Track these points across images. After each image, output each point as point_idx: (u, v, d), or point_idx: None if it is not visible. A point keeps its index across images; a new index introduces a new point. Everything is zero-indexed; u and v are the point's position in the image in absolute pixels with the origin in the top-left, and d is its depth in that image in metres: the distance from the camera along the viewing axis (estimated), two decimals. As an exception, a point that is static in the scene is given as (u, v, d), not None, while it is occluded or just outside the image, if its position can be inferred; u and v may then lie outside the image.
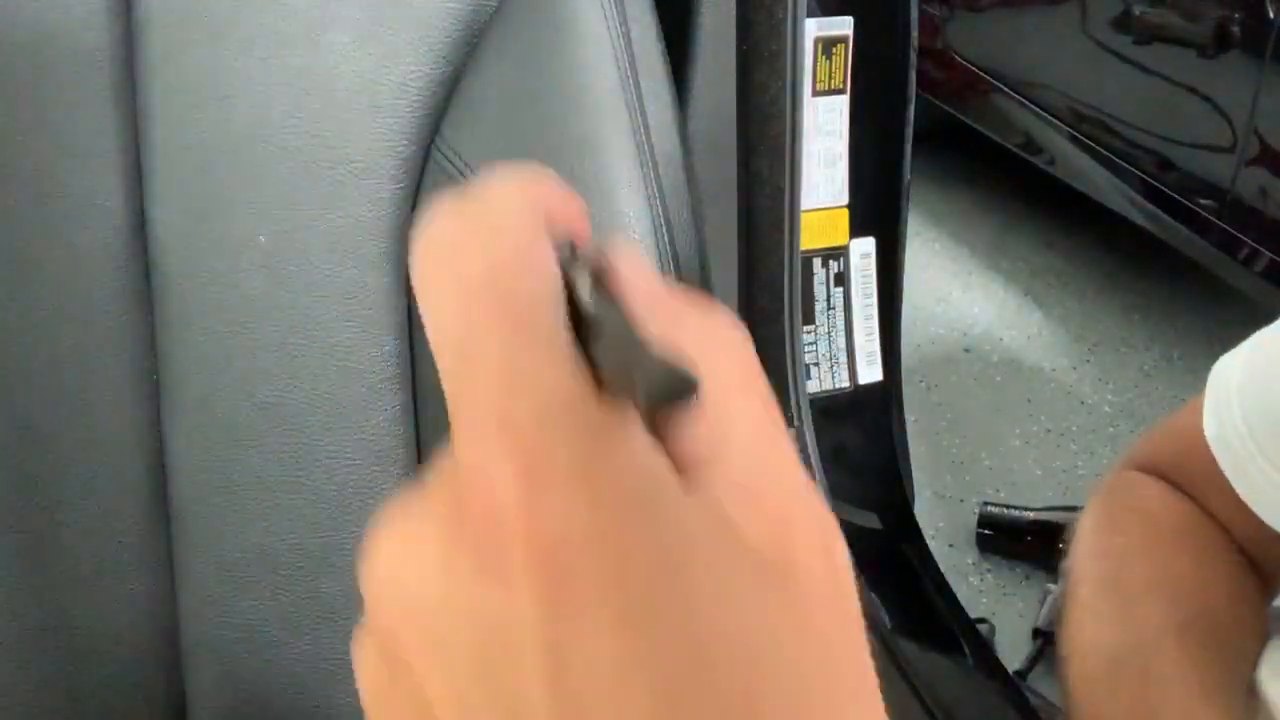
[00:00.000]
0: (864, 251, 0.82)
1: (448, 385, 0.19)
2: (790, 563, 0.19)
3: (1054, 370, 2.37)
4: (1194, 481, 0.57)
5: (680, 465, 0.19)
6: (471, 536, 0.18)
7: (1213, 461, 0.53)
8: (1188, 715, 0.48)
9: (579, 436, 0.18)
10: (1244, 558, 0.56)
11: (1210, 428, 0.53)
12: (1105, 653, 0.53)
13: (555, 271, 0.20)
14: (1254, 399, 0.52)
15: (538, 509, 0.17)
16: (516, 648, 0.17)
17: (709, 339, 0.21)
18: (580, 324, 0.20)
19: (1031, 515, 1.85)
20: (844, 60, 0.74)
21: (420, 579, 0.18)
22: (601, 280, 0.21)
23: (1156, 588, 0.54)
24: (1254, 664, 0.51)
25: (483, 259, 0.20)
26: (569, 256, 0.21)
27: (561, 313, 0.19)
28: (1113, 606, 0.55)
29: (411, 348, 0.60)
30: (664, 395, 0.18)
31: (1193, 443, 0.54)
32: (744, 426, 0.20)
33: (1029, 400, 2.25)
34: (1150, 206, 2.37)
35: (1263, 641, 0.52)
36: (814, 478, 0.81)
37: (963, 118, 2.89)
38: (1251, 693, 0.50)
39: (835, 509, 0.76)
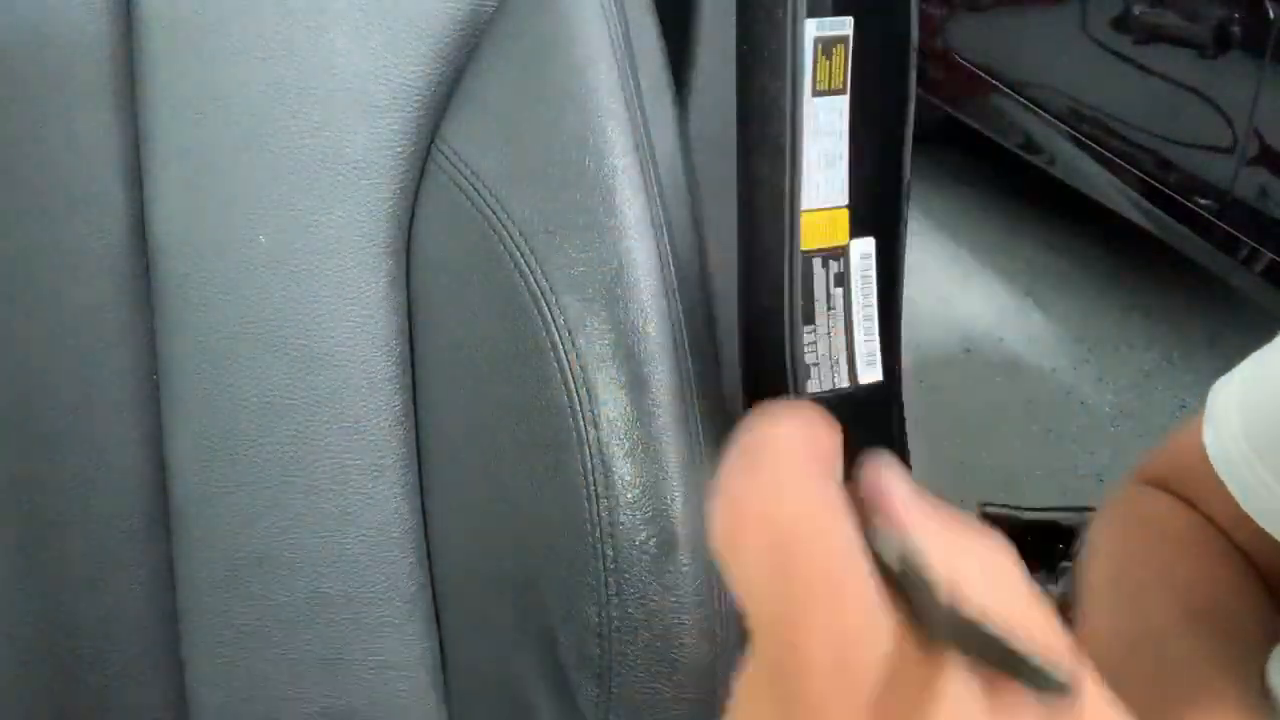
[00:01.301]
0: (864, 251, 0.82)
1: (769, 649, 0.20)
2: None
3: (1054, 370, 2.37)
4: (1198, 494, 0.57)
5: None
6: None
7: (1214, 474, 0.53)
8: (1202, 690, 0.48)
9: (911, 689, 0.19)
10: (1253, 567, 0.56)
11: (1210, 440, 0.54)
12: (1116, 639, 0.54)
13: (852, 525, 0.21)
14: (1253, 410, 0.52)
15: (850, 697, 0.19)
16: None
17: (988, 567, 0.22)
18: (888, 577, 0.21)
19: (1031, 515, 1.85)
20: (844, 60, 0.74)
21: None
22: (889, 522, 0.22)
23: (1165, 583, 0.55)
24: (1263, 660, 0.51)
25: (789, 513, 0.21)
26: (857, 501, 0.22)
27: (870, 567, 0.21)
28: (1123, 600, 0.56)
29: (411, 348, 0.60)
30: (1033, 681, 0.19)
31: (1194, 456, 0.55)
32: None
33: (1029, 400, 2.25)
34: (1150, 206, 2.37)
35: (1271, 640, 0.52)
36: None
37: (963, 118, 2.90)
38: (1261, 691, 0.50)
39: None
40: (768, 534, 0.21)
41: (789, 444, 0.22)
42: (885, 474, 0.23)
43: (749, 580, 0.21)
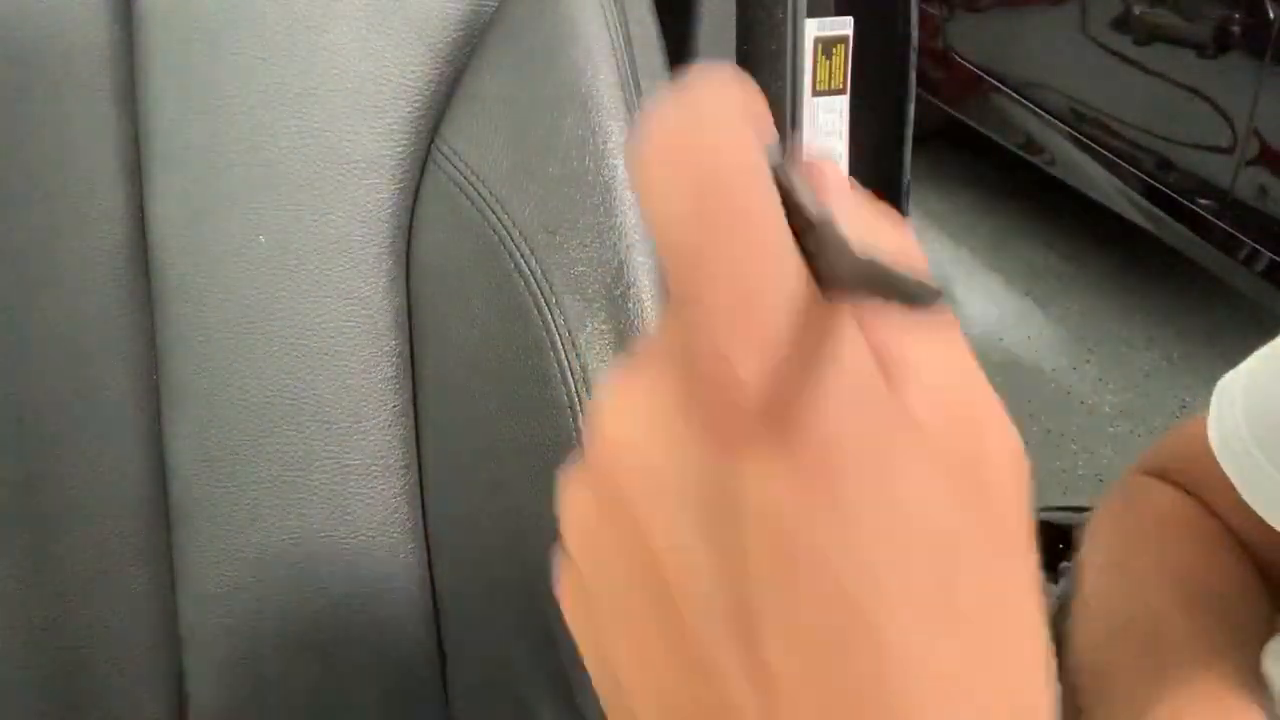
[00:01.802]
0: (864, 251, 0.82)
1: (677, 281, 0.20)
2: (983, 467, 0.21)
3: (1054, 370, 2.37)
4: (1199, 484, 0.57)
5: (881, 365, 0.21)
6: (708, 407, 0.20)
7: (1215, 464, 0.54)
8: (1196, 671, 0.48)
9: (810, 334, 0.20)
10: (1250, 555, 0.56)
11: (1214, 434, 0.54)
12: (1112, 619, 0.54)
13: (770, 175, 0.21)
14: (1256, 401, 0.53)
15: (775, 392, 0.19)
16: (741, 510, 0.20)
17: (898, 250, 0.22)
18: (797, 226, 0.21)
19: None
20: (844, 60, 0.74)
21: (651, 437, 0.21)
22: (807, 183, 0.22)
23: (1163, 570, 0.55)
24: (1259, 648, 0.51)
25: (708, 161, 0.21)
26: (778, 159, 0.22)
27: (783, 216, 0.21)
28: (1121, 585, 0.56)
29: (411, 348, 0.60)
30: (913, 299, 0.19)
31: (1199, 448, 0.55)
32: (928, 335, 0.22)
33: (1029, 401, 2.25)
34: (1150, 206, 2.37)
35: (1269, 629, 0.52)
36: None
37: (963, 118, 2.90)
38: (1255, 675, 0.50)
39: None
40: (686, 165, 0.21)
41: (723, 90, 0.22)
42: (824, 162, 0.24)
43: (661, 213, 0.21)
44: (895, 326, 0.21)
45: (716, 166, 0.20)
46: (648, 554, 0.21)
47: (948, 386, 0.21)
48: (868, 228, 0.22)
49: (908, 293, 0.19)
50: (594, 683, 0.23)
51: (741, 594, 0.20)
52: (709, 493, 0.20)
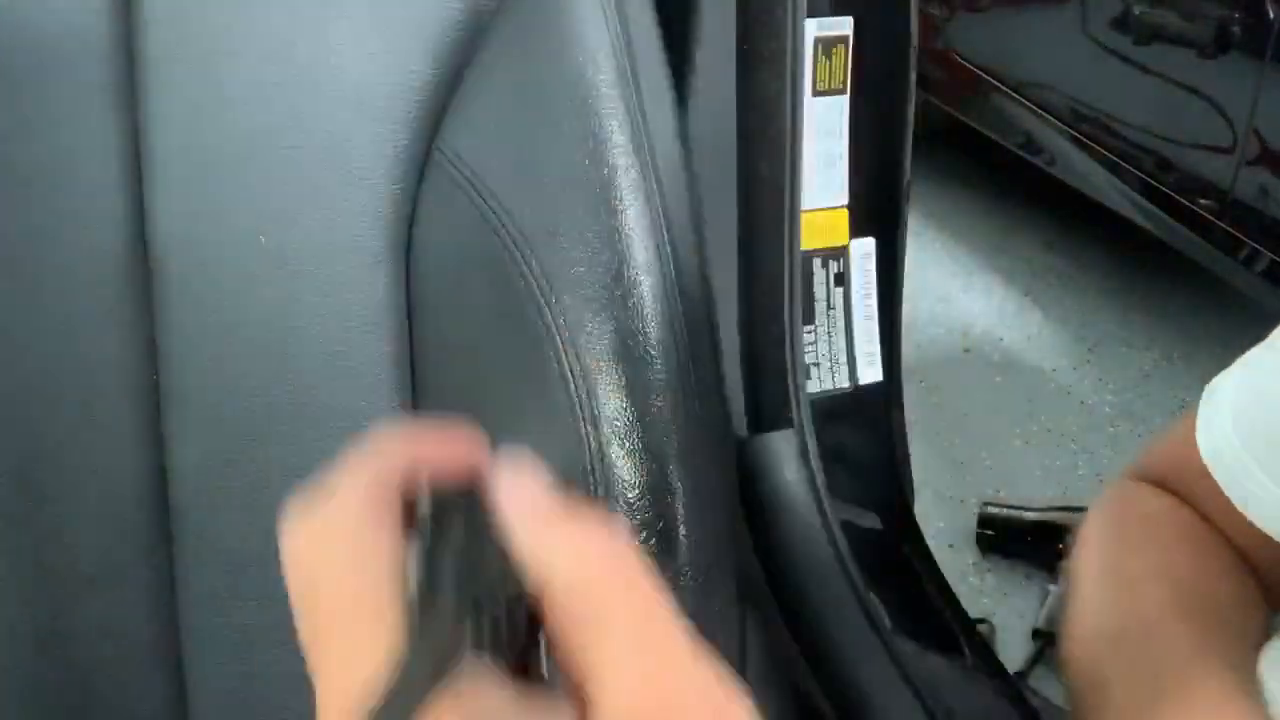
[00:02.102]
0: (864, 251, 0.82)
1: (310, 656, 0.24)
2: None
3: (1054, 370, 2.37)
4: (1192, 490, 0.57)
5: (570, 685, 0.23)
6: None
7: (1207, 470, 0.54)
8: (1192, 680, 0.48)
9: (407, 701, 0.22)
10: (1243, 560, 0.56)
11: (1203, 440, 0.54)
12: (1107, 627, 0.54)
13: (389, 551, 0.24)
14: (1244, 407, 0.53)
15: None
16: None
17: (587, 551, 0.24)
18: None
19: (1031, 515, 1.85)
20: (844, 60, 0.74)
21: None
22: (475, 516, 0.25)
23: (1157, 575, 0.55)
24: (1256, 652, 0.51)
25: (330, 552, 0.25)
26: (445, 513, 0.25)
27: (394, 590, 0.23)
28: (1114, 590, 0.56)
29: (411, 348, 0.60)
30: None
31: (1188, 453, 0.55)
32: (627, 639, 0.23)
33: (1029, 400, 2.25)
34: (1150, 206, 2.37)
35: (1264, 634, 0.52)
36: (815, 478, 0.81)
37: (963, 118, 2.90)
38: (1251, 683, 0.50)
39: (836, 509, 0.76)
40: (311, 566, 0.25)
41: (352, 483, 0.26)
42: (511, 478, 0.26)
43: (299, 611, 0.24)
44: (576, 641, 0.23)
45: (333, 558, 0.24)
46: None
47: (647, 699, 0.22)
48: (551, 548, 0.24)
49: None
50: None
51: None
52: None
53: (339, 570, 0.24)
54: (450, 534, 0.25)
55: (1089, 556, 0.59)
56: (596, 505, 0.24)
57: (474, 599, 0.23)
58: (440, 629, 0.23)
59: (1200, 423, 0.55)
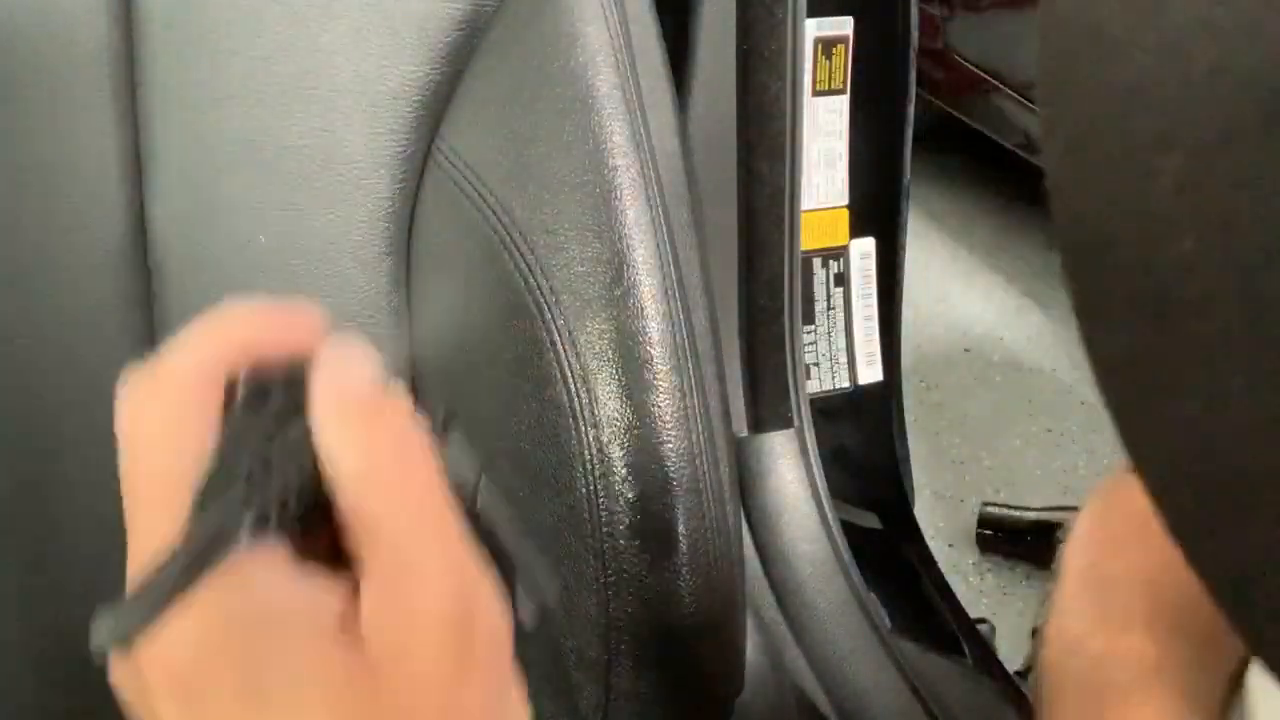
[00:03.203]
0: (864, 251, 0.82)
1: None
2: (470, 630, 0.25)
3: (1054, 370, 2.37)
4: None
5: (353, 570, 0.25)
6: (127, 673, 0.25)
7: None
8: (1131, 695, 0.48)
9: (181, 578, 0.23)
10: None
11: None
12: (1072, 632, 0.54)
13: (200, 428, 0.25)
14: None
15: (162, 647, 0.24)
16: None
17: (380, 443, 0.26)
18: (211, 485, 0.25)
19: (1031, 515, 1.85)
20: (844, 60, 0.74)
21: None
22: (295, 399, 0.26)
23: (1133, 579, 0.55)
24: (1231, 658, 0.51)
25: (149, 422, 0.25)
26: (263, 397, 0.26)
27: (194, 466, 0.25)
28: (1087, 593, 0.56)
29: (410, 348, 0.60)
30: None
31: None
32: (404, 516, 0.25)
33: (1029, 400, 2.25)
34: (1150, 206, 2.36)
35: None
36: (815, 478, 0.81)
37: (963, 118, 2.90)
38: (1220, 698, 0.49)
39: (836, 509, 0.76)
40: (130, 435, 0.25)
41: (183, 354, 0.27)
42: (330, 365, 0.27)
43: (120, 464, 0.25)
44: (357, 520, 0.25)
45: (150, 432, 0.25)
46: None
47: (423, 567, 0.25)
48: (346, 445, 0.25)
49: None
50: None
51: None
52: None
53: (154, 441, 0.25)
54: (261, 416, 0.26)
55: (1074, 553, 0.59)
56: (409, 400, 0.26)
57: (266, 481, 0.24)
58: (223, 511, 0.24)
59: None
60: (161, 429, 0.25)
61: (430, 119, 0.59)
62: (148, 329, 0.60)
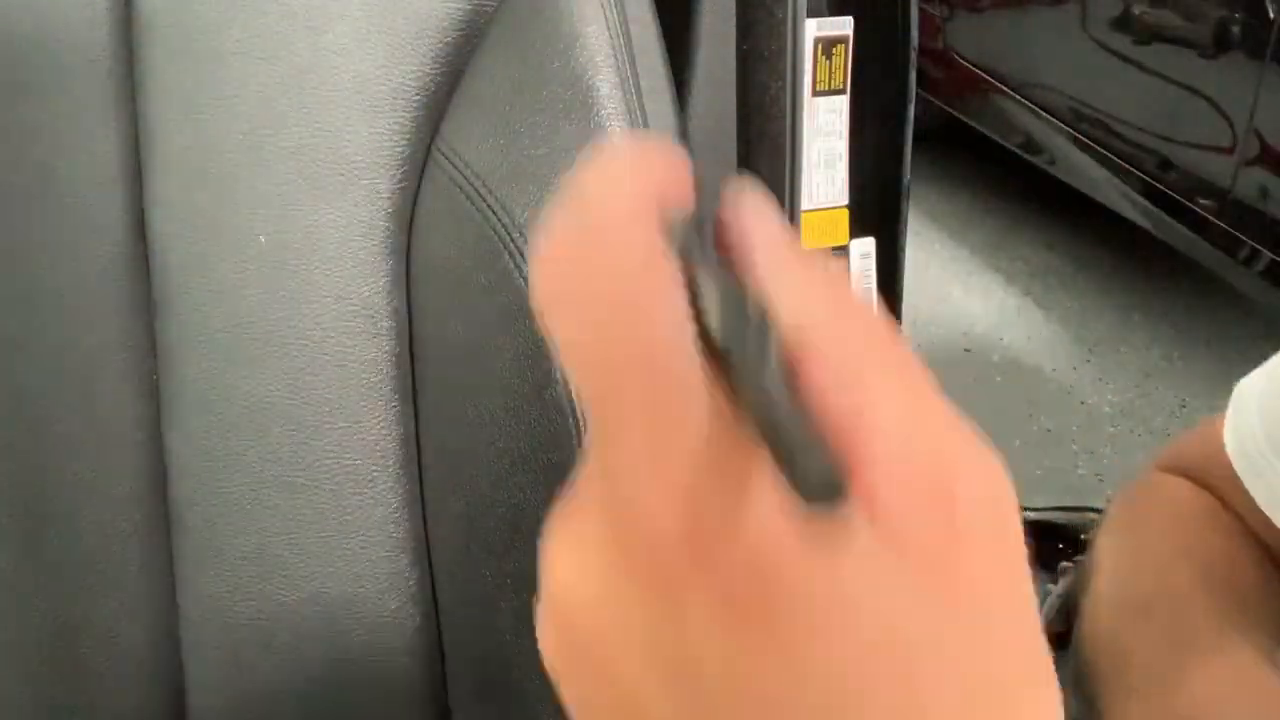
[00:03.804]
0: (864, 251, 0.82)
1: (592, 414, 0.20)
2: (954, 545, 0.19)
3: (1054, 370, 2.37)
4: (1219, 486, 0.58)
5: (836, 435, 0.19)
6: (635, 558, 0.19)
7: (1234, 469, 0.54)
8: (1222, 649, 0.48)
9: (729, 469, 0.19)
10: (1268, 555, 0.56)
11: (1230, 440, 0.54)
12: (1133, 599, 0.54)
13: (679, 292, 0.20)
14: (1272, 409, 0.53)
15: (701, 537, 0.19)
16: (690, 659, 0.19)
17: (839, 297, 0.21)
18: (710, 346, 0.20)
19: (1031, 515, 1.85)
20: (844, 60, 0.74)
21: (591, 586, 0.20)
22: (726, 261, 0.21)
23: (1186, 555, 0.55)
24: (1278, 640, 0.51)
25: (608, 283, 0.19)
26: (693, 247, 0.20)
27: (693, 343, 0.19)
28: (1142, 568, 0.56)
29: (411, 348, 0.60)
30: (819, 493, 0.18)
31: (1217, 448, 0.55)
32: (889, 397, 0.20)
33: (1029, 400, 2.25)
34: (1150, 206, 2.37)
35: None
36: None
37: (963, 118, 2.89)
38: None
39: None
40: (588, 304, 0.19)
41: (614, 197, 0.20)
42: (749, 213, 0.21)
43: (570, 355, 0.20)
44: (844, 402, 0.20)
45: (617, 288, 0.19)
46: (616, 692, 0.20)
47: (910, 467, 0.20)
48: (801, 293, 0.21)
49: (809, 479, 0.18)
50: None
51: None
52: (656, 642, 0.19)
53: (631, 301, 0.19)
54: (704, 272, 0.20)
55: (1114, 539, 0.59)
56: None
57: (763, 345, 0.19)
58: (760, 379, 0.19)
59: (1228, 420, 0.55)
60: (635, 285, 0.19)
61: (430, 119, 0.59)
62: (148, 329, 0.60)
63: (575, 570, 0.21)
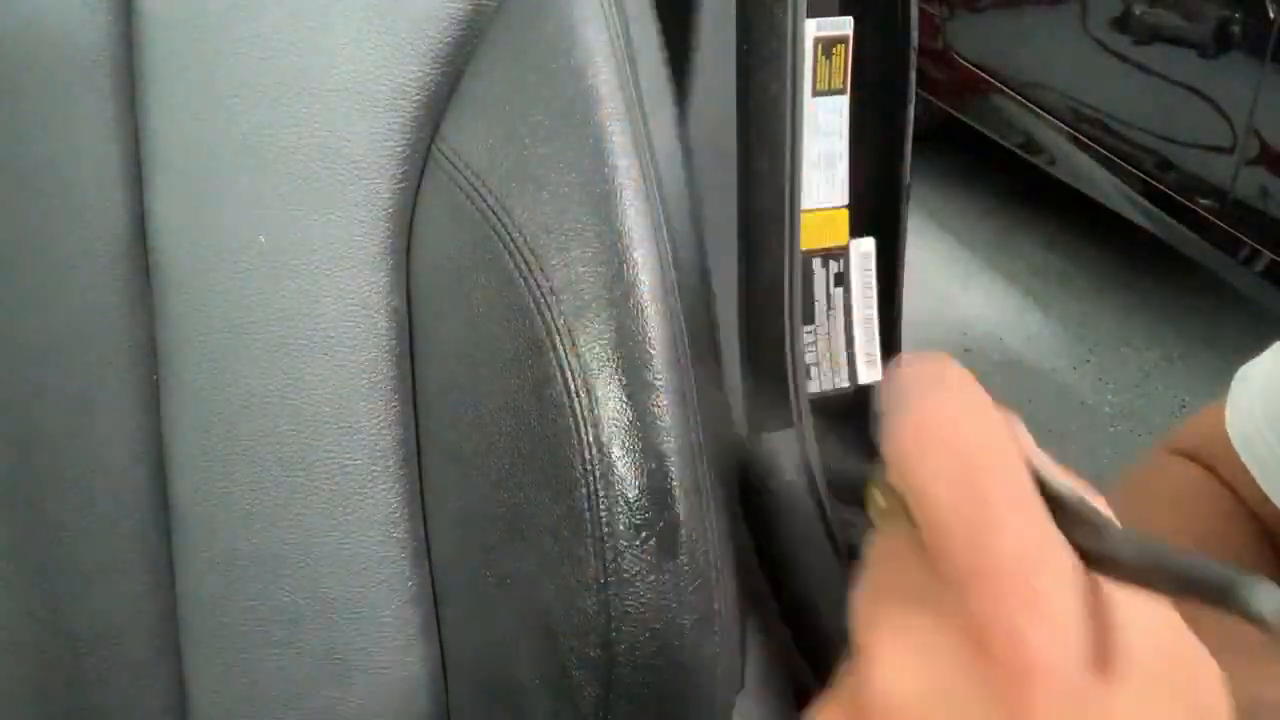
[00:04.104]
0: (864, 251, 0.82)
1: (951, 557, 0.22)
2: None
3: (1054, 370, 2.37)
4: (1223, 469, 0.58)
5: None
6: (1000, 678, 0.21)
7: (1237, 452, 0.55)
8: (1224, 625, 0.49)
9: (1091, 611, 0.22)
10: (1270, 538, 0.57)
11: (1232, 421, 0.55)
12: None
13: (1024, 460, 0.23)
14: (1273, 393, 0.53)
15: (1070, 671, 0.21)
16: None
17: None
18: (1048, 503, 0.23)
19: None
20: (844, 60, 0.74)
21: (929, 696, 0.22)
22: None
23: (1185, 535, 0.56)
24: None
25: (972, 438, 0.23)
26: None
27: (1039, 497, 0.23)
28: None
29: (411, 347, 0.60)
30: (1223, 597, 0.21)
31: (1219, 432, 0.56)
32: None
33: (1029, 400, 2.25)
34: (1150, 206, 2.37)
35: None
36: (815, 478, 0.81)
37: (963, 118, 2.90)
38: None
39: (836, 509, 0.76)
40: (952, 457, 0.23)
41: (962, 378, 0.24)
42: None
43: (932, 497, 0.23)
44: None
45: (981, 456, 0.23)
46: None
47: (1169, 683, 0.23)
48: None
49: (1215, 587, 0.21)
50: None
51: None
52: None
53: (992, 456, 0.23)
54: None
55: (1115, 516, 0.59)
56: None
57: None
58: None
59: (1230, 401, 0.56)
60: (999, 445, 0.23)
61: (430, 119, 0.59)
62: (147, 328, 0.60)
63: (904, 676, 0.23)
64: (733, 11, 0.71)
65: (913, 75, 0.79)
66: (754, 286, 0.78)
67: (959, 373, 0.24)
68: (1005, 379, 2.30)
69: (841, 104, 0.75)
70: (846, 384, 0.85)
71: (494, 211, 0.55)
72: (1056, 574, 0.22)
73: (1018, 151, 2.73)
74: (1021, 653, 0.21)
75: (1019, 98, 2.66)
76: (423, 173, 0.59)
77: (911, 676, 0.23)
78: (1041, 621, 0.21)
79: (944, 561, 0.22)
